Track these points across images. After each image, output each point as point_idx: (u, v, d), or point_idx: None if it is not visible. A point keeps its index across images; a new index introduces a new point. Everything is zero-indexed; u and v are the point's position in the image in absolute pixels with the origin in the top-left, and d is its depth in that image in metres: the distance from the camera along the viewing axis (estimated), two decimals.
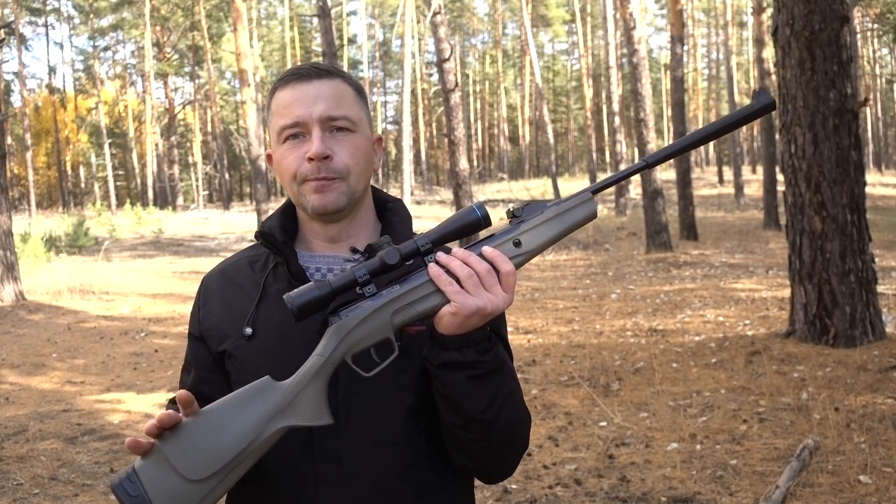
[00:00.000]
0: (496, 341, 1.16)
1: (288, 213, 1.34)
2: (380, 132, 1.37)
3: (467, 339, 1.12)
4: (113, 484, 1.08)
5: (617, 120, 23.10)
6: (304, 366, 1.13)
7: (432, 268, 1.11)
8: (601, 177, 34.07)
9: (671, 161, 38.28)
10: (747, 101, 48.16)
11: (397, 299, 1.11)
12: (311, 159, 1.22)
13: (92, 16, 42.40)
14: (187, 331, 1.37)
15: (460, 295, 1.08)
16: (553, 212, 1.16)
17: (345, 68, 35.53)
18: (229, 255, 1.42)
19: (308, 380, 1.11)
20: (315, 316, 1.18)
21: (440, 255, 1.11)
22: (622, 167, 22.26)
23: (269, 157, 1.33)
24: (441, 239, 1.14)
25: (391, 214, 1.34)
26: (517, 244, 1.14)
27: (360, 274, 1.11)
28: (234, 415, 1.10)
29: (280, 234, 1.29)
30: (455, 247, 1.17)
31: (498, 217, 16.21)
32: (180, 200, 40.35)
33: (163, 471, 1.07)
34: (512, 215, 1.16)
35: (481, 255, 1.11)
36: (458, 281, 1.09)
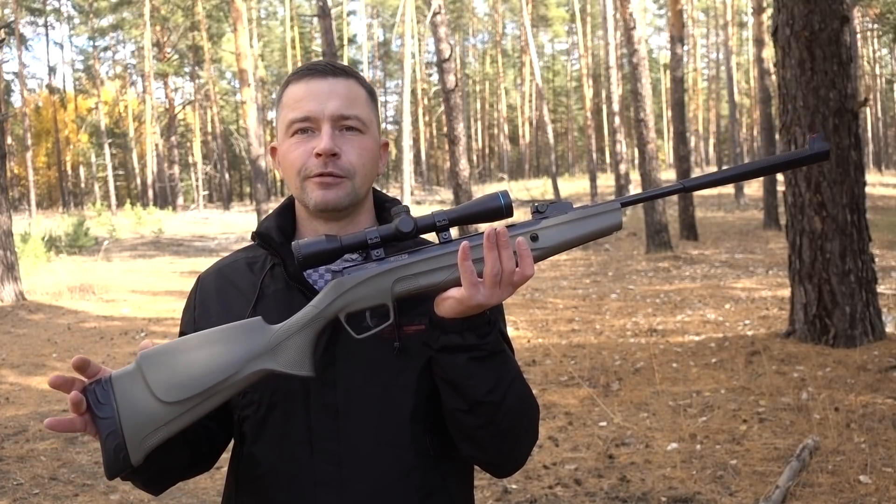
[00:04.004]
0: (495, 325, 1.16)
1: (285, 213, 1.33)
2: (386, 138, 1.37)
3: (468, 323, 1.12)
4: (85, 387, 1.09)
5: (617, 120, 23.07)
6: (297, 314, 1.13)
7: (463, 248, 1.08)
8: (601, 177, 34.18)
9: (671, 161, 38.28)
10: (747, 102, 47.87)
11: (402, 268, 1.11)
12: (318, 155, 1.21)
13: (92, 16, 42.41)
14: (179, 329, 1.36)
15: (473, 287, 1.07)
16: (577, 214, 1.14)
17: None
18: (228, 254, 1.41)
19: (297, 328, 1.11)
20: None
21: (489, 232, 1.07)
22: (622, 167, 22.32)
23: (272, 151, 1.32)
24: (460, 219, 1.13)
25: (389, 215, 1.33)
26: (534, 238, 1.13)
27: (371, 236, 1.11)
28: (219, 346, 1.10)
29: (277, 235, 1.28)
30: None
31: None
32: (180, 200, 40.33)
33: (136, 386, 1.08)
34: (535, 211, 1.14)
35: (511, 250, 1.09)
36: (472, 270, 1.07)
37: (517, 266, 1.09)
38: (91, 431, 1.09)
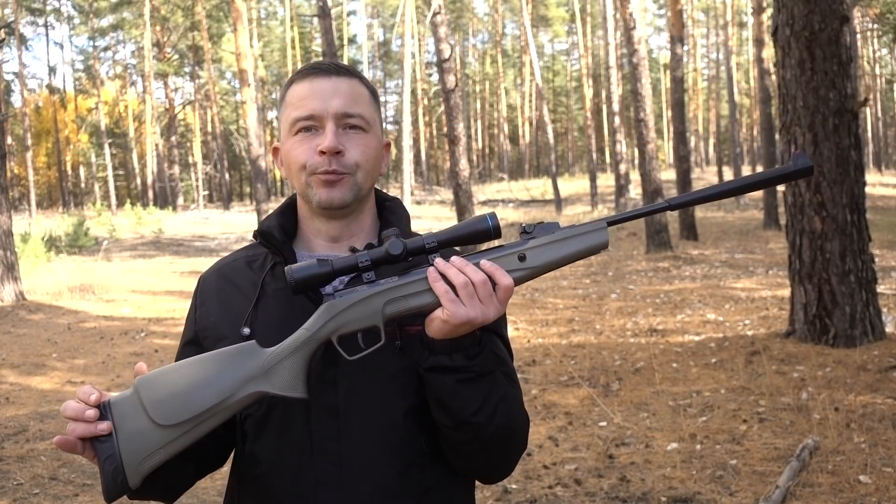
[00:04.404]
0: (487, 345, 1.16)
1: (287, 212, 1.33)
2: (388, 139, 1.38)
3: (456, 344, 1.12)
4: None
5: (617, 120, 23.06)
6: (290, 337, 1.14)
7: (431, 272, 1.11)
8: (601, 177, 34.17)
9: (671, 161, 38.27)
10: (747, 102, 47.83)
11: (392, 290, 1.12)
12: (322, 152, 1.22)
13: (92, 16, 42.39)
14: (182, 333, 1.36)
15: (453, 304, 1.08)
16: (564, 234, 1.16)
17: None
18: (228, 254, 1.41)
19: (290, 351, 1.13)
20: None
21: (438, 261, 1.12)
22: (622, 167, 22.34)
23: (274, 151, 1.32)
24: (449, 241, 1.14)
25: (389, 213, 1.34)
26: (522, 258, 1.14)
27: (362, 260, 1.12)
28: (214, 370, 1.12)
29: (279, 234, 1.28)
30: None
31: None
32: (180, 200, 40.32)
33: (134, 410, 1.10)
34: (523, 231, 1.16)
35: (478, 266, 1.11)
36: (453, 289, 1.09)
37: (489, 277, 1.10)
38: (89, 455, 1.11)
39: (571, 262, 1.16)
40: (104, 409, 1.10)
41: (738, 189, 1.18)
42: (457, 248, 1.19)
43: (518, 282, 1.13)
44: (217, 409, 1.11)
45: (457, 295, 1.09)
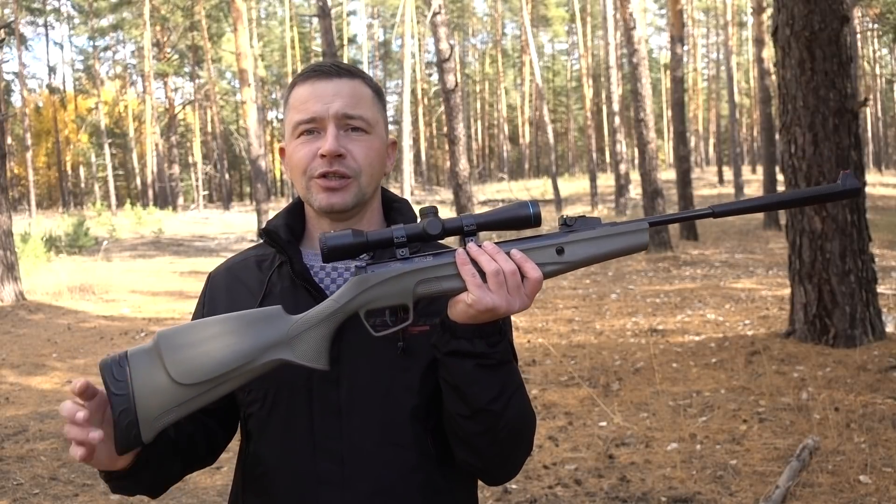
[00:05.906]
0: (506, 335, 1.16)
1: (295, 211, 1.33)
2: (394, 136, 1.38)
3: (479, 330, 1.12)
4: (102, 363, 1.08)
5: (617, 120, 23.06)
6: (317, 307, 1.12)
7: (460, 254, 1.10)
8: (601, 177, 34.17)
9: (671, 161, 38.25)
10: (747, 102, 47.75)
11: (426, 270, 1.11)
12: (323, 156, 1.22)
13: (92, 16, 42.39)
14: None
15: (480, 289, 1.08)
16: (605, 231, 1.14)
17: None
18: (229, 254, 1.41)
19: (317, 321, 1.11)
20: None
21: (471, 245, 1.10)
22: (622, 167, 22.36)
23: (281, 151, 1.32)
24: (488, 225, 1.13)
25: (396, 214, 1.33)
26: (560, 251, 1.13)
27: (398, 235, 1.11)
28: (237, 332, 1.10)
29: (285, 233, 1.28)
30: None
31: None
32: (180, 200, 40.32)
33: (153, 365, 1.08)
34: (564, 223, 1.15)
35: (509, 255, 1.10)
36: (482, 275, 1.09)
37: (518, 268, 1.09)
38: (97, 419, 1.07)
39: (609, 259, 1.15)
40: (122, 362, 1.07)
41: (782, 203, 1.17)
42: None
43: (552, 274, 1.12)
44: (236, 373, 1.09)
45: (485, 281, 1.08)
